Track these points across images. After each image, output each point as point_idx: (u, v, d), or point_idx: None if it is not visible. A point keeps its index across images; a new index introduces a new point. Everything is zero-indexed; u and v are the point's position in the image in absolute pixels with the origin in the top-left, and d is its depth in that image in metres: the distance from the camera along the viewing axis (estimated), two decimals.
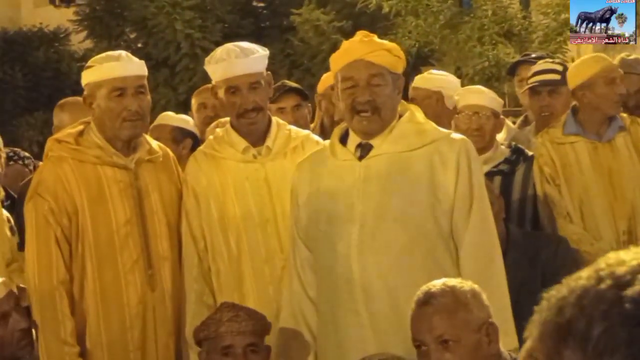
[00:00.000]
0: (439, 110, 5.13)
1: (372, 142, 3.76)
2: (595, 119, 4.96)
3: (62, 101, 5.29)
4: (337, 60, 3.82)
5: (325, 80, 5.46)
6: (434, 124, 3.90)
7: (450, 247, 3.72)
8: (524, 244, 4.55)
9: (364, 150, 3.77)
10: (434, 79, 5.46)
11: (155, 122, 5.46)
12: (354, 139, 3.80)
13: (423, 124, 3.81)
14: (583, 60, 5.22)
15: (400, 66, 3.84)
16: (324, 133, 4.98)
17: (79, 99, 5.18)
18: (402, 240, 3.66)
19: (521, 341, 3.66)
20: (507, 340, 3.62)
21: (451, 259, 3.72)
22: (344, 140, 3.84)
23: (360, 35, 3.87)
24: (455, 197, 3.69)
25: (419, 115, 3.85)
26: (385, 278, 3.63)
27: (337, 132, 3.89)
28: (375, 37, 3.88)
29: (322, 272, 3.79)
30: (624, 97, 5.03)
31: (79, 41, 17.07)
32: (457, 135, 3.86)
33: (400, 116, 3.81)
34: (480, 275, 3.63)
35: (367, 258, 3.66)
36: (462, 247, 3.71)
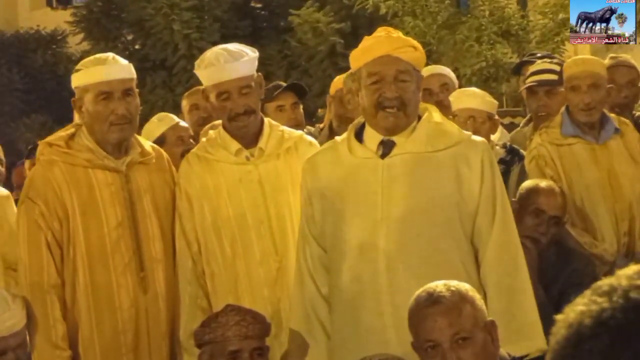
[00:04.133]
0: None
1: (395, 139, 3.70)
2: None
3: None
4: (361, 56, 3.77)
5: (337, 83, 5.54)
6: (453, 124, 3.90)
7: (472, 249, 3.71)
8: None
9: (386, 147, 3.71)
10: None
11: (171, 123, 5.41)
12: (374, 136, 3.73)
13: (444, 124, 3.77)
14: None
15: (422, 63, 3.82)
16: (333, 134, 4.97)
17: None
18: (430, 241, 3.63)
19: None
20: (534, 343, 3.63)
21: (473, 260, 3.70)
22: (358, 137, 3.78)
23: (383, 31, 3.83)
24: (480, 200, 3.68)
25: (437, 115, 3.81)
26: (414, 280, 3.55)
27: (352, 128, 3.83)
28: (400, 33, 3.84)
29: (341, 271, 3.73)
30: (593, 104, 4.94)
31: (76, 43, 17.03)
32: (478, 138, 3.84)
33: (419, 115, 3.77)
34: (506, 279, 3.65)
35: (396, 258, 3.62)
36: (486, 250, 3.69)
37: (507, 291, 3.64)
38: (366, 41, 3.83)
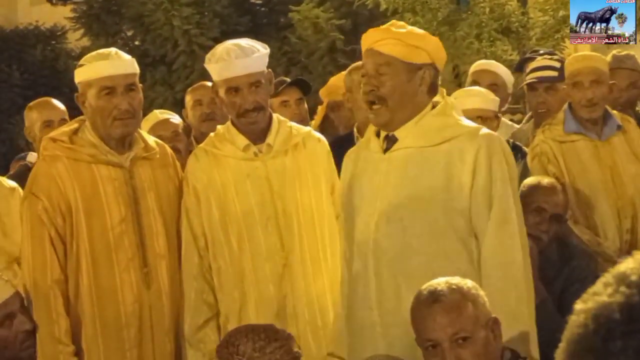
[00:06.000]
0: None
1: (397, 134, 3.66)
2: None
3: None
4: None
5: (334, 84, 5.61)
6: (460, 118, 3.70)
7: (470, 247, 3.56)
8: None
9: (389, 142, 3.70)
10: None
11: (160, 118, 5.41)
12: (382, 131, 3.74)
13: (448, 118, 3.65)
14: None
15: (418, 55, 3.64)
16: (324, 131, 4.98)
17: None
18: (413, 239, 3.58)
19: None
20: (527, 347, 3.47)
21: (469, 259, 3.55)
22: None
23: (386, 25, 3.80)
24: (472, 195, 3.53)
25: (450, 109, 3.69)
26: (396, 276, 3.57)
27: None
28: (391, 26, 3.73)
29: (351, 266, 3.77)
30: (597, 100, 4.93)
31: (76, 39, 17.03)
32: (483, 131, 3.64)
33: (434, 105, 3.68)
34: (499, 276, 3.49)
35: (379, 254, 3.62)
36: (482, 246, 3.54)
37: (501, 291, 3.47)
38: None
